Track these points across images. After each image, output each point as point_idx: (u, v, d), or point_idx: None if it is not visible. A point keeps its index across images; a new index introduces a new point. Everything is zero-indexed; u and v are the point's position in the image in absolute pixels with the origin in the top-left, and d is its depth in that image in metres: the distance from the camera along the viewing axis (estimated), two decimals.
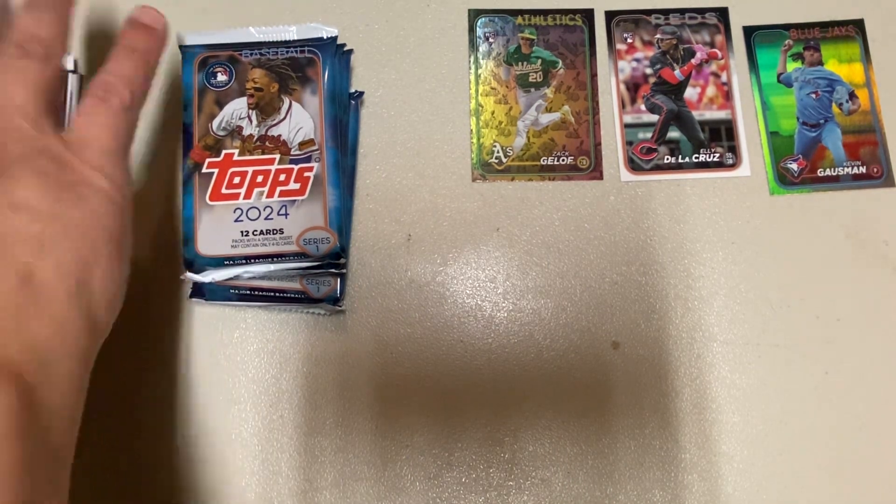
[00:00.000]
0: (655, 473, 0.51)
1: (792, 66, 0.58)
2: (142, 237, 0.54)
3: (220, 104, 0.52)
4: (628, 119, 0.57)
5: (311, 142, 0.51)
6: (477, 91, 0.57)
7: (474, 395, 0.52)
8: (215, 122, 0.52)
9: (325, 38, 0.53)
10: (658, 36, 0.59)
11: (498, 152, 0.56)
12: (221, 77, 0.52)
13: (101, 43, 0.58)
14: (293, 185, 0.51)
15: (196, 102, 0.52)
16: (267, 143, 0.51)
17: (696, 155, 0.56)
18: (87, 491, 0.51)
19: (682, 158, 0.56)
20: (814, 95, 0.58)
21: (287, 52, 0.52)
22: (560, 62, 0.58)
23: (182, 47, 0.53)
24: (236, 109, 0.52)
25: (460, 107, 0.57)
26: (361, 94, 0.56)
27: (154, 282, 0.54)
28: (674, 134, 0.57)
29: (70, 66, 0.57)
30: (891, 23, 0.59)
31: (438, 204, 0.55)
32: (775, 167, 0.56)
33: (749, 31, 0.59)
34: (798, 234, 0.55)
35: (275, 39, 0.53)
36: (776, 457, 0.51)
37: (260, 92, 0.52)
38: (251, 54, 0.53)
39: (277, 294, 0.51)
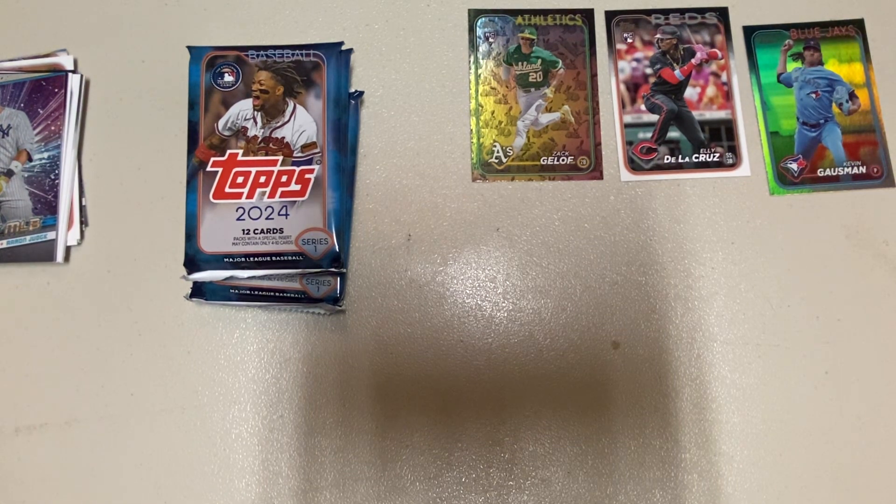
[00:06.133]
0: (655, 473, 0.54)
1: (792, 66, 0.62)
2: (142, 237, 0.58)
3: (227, 104, 0.55)
4: (628, 119, 0.60)
5: (313, 144, 0.55)
6: (477, 91, 0.61)
7: (474, 395, 0.55)
8: (221, 122, 0.55)
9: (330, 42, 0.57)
10: (658, 36, 0.62)
11: (498, 152, 0.59)
12: (228, 78, 0.55)
13: (101, 43, 0.62)
14: (294, 187, 0.54)
15: (203, 102, 0.55)
16: (271, 145, 0.54)
17: (696, 155, 0.60)
18: (84, 490, 0.54)
19: (682, 158, 0.60)
20: (814, 95, 0.61)
21: (293, 54, 0.56)
22: (560, 62, 0.61)
23: (190, 47, 0.57)
24: (242, 110, 0.55)
25: (460, 107, 0.60)
26: (361, 93, 0.59)
27: (154, 282, 0.57)
28: (674, 134, 0.60)
29: (70, 66, 0.60)
30: (891, 23, 0.63)
31: (438, 204, 0.58)
32: (775, 167, 0.59)
33: (749, 31, 0.62)
34: (798, 234, 0.58)
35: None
36: (776, 457, 0.54)
37: (266, 94, 0.55)
38: (257, 56, 0.56)
39: (277, 294, 0.54)
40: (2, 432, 0.55)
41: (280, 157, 0.55)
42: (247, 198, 0.54)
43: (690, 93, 0.61)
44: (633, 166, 0.59)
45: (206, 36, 0.61)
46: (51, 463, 0.54)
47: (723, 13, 0.63)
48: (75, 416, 0.55)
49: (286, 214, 0.54)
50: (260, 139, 0.55)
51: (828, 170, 0.59)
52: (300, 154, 0.55)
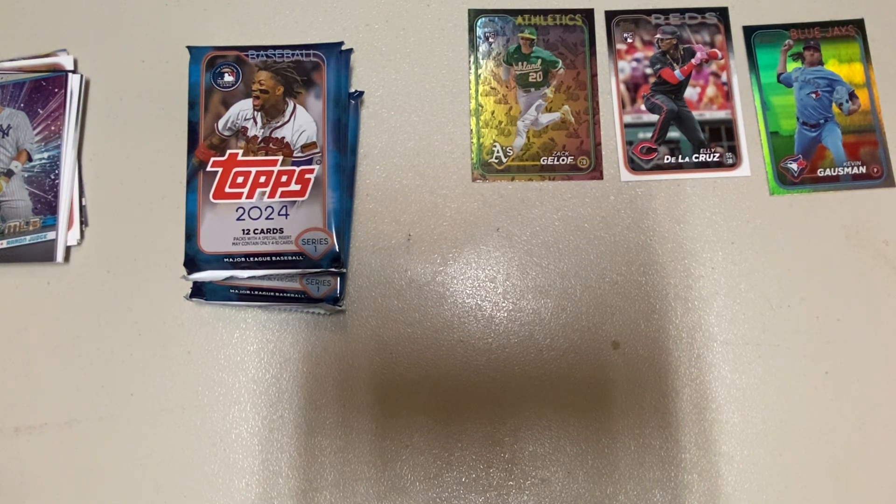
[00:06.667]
0: (655, 473, 0.54)
1: (792, 66, 0.62)
2: (142, 237, 0.58)
3: (227, 104, 0.55)
4: (628, 119, 0.60)
5: (313, 144, 0.55)
6: (477, 91, 0.61)
7: (474, 395, 0.55)
8: (221, 122, 0.55)
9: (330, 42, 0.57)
10: (658, 36, 0.62)
11: (498, 152, 0.59)
12: (228, 78, 0.56)
13: (101, 43, 0.62)
14: (294, 187, 0.54)
15: (203, 102, 0.55)
16: (271, 145, 0.54)
17: (696, 155, 0.60)
18: (84, 490, 0.54)
19: (682, 158, 0.60)
20: (814, 95, 0.61)
21: (293, 54, 0.56)
22: (560, 62, 0.61)
23: (190, 47, 0.57)
24: (242, 110, 0.55)
25: (460, 107, 0.60)
26: (361, 93, 0.59)
27: (154, 282, 0.57)
28: (674, 134, 0.60)
29: (70, 66, 0.60)
30: (891, 23, 0.63)
31: (438, 204, 0.58)
32: (775, 167, 0.59)
33: (749, 31, 0.62)
34: (798, 234, 0.58)
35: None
36: (776, 457, 0.54)
37: (266, 94, 0.55)
38: (258, 56, 0.56)
39: (277, 294, 0.54)
40: (2, 432, 0.55)
41: (280, 157, 0.55)
42: (247, 198, 0.54)
43: (690, 93, 0.61)
44: (633, 166, 0.59)
45: (206, 36, 0.61)
46: (51, 463, 0.54)
47: (723, 13, 0.63)
48: (75, 416, 0.55)
49: (286, 214, 0.54)
50: (260, 139, 0.55)
51: (828, 170, 0.59)
52: (300, 154, 0.55)
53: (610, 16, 0.62)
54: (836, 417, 0.55)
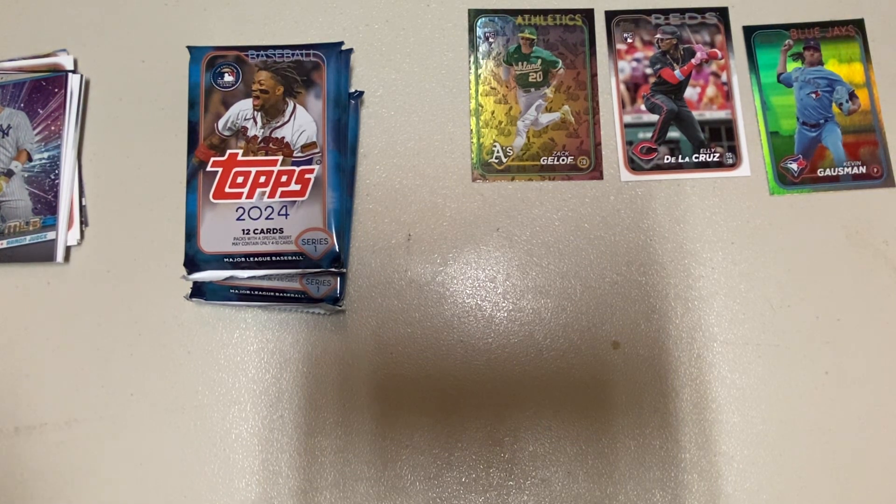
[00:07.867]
0: (655, 473, 0.54)
1: (792, 66, 0.62)
2: (142, 237, 0.58)
3: (227, 104, 0.55)
4: (628, 119, 0.60)
5: (313, 144, 0.55)
6: (477, 91, 0.61)
7: (474, 395, 0.55)
8: (221, 122, 0.55)
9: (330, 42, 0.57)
10: (658, 36, 0.62)
11: (498, 152, 0.59)
12: (228, 77, 0.56)
13: (101, 43, 0.62)
14: (294, 187, 0.54)
15: (203, 102, 0.55)
16: (270, 145, 0.54)
17: (696, 155, 0.60)
18: (84, 490, 0.54)
19: (682, 158, 0.60)
20: (814, 95, 0.61)
21: (293, 54, 0.56)
22: (560, 62, 0.61)
23: (190, 47, 0.57)
24: (242, 110, 0.55)
25: (460, 107, 0.60)
26: (361, 93, 0.59)
27: (154, 282, 0.57)
28: (674, 134, 0.60)
29: (70, 66, 0.60)
30: (891, 23, 0.63)
31: (438, 204, 0.58)
32: (775, 167, 0.59)
33: (749, 31, 0.62)
34: (798, 234, 0.58)
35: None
36: (776, 457, 0.54)
37: (265, 94, 0.55)
38: (257, 56, 0.56)
39: (277, 294, 0.54)
40: (2, 432, 0.55)
41: (280, 157, 0.55)
42: (247, 198, 0.54)
43: (690, 93, 0.61)
44: (633, 166, 0.59)
45: (206, 36, 0.61)
46: (51, 463, 0.54)
47: (723, 13, 0.63)
48: (75, 416, 0.55)
49: (286, 214, 0.54)
50: (260, 139, 0.55)
51: (828, 170, 0.59)
52: (300, 154, 0.55)
53: (610, 16, 0.63)
54: (836, 417, 0.55)
